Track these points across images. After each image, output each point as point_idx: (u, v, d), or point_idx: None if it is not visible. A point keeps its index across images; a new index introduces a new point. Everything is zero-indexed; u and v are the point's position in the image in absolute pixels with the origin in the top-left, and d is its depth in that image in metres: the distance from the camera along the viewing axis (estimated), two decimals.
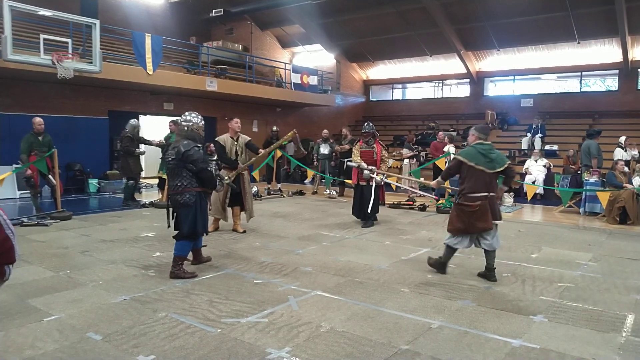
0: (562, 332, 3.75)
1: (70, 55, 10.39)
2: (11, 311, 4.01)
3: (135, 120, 10.69)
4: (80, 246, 6.44)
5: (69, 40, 10.75)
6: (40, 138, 8.73)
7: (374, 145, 8.32)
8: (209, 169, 5.28)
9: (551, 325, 3.90)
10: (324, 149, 13.05)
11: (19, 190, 11.30)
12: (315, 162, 13.48)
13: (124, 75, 12.21)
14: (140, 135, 10.61)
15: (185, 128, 5.17)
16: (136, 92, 14.18)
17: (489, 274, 5.11)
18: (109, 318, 3.90)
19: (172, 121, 10.54)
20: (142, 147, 10.34)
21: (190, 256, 5.43)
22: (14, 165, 10.24)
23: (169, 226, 5.26)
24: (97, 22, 11.02)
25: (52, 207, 8.83)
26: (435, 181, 5.49)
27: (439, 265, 5.35)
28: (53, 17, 10.62)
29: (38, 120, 8.82)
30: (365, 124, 8.63)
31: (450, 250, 5.26)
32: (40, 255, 5.92)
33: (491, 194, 5.04)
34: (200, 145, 5.15)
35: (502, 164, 5.06)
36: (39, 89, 12.13)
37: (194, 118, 5.23)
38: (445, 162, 10.84)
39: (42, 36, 10.14)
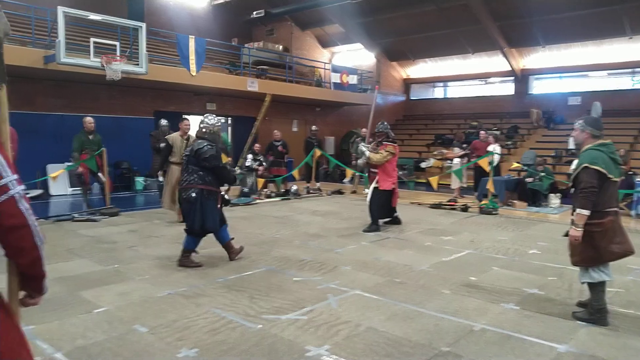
0: (611, 339, 3.60)
1: (118, 58, 10.76)
2: (64, 302, 4.20)
3: (164, 120, 10.89)
4: (127, 241, 6.68)
5: (117, 43, 11.14)
6: (90, 137, 9.11)
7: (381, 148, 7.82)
8: (222, 165, 5.53)
9: (600, 331, 3.76)
10: (362, 148, 12.97)
11: (70, 187, 11.84)
12: (354, 162, 13.45)
13: (169, 77, 12.56)
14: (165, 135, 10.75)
15: (204, 130, 5.51)
16: (180, 93, 14.54)
17: (600, 317, 3.88)
18: (155, 311, 4.03)
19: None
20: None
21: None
22: (66, 163, 10.72)
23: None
24: (144, 25, 11.37)
25: (102, 204, 9.19)
26: (579, 217, 3.81)
27: (596, 315, 3.88)
28: (102, 21, 11.03)
29: (89, 119, 9.20)
30: (379, 123, 8.12)
31: (597, 287, 3.91)
32: (91, 249, 6.18)
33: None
34: (214, 144, 5.43)
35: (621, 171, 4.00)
36: (89, 90, 12.62)
37: (211, 120, 5.57)
38: (489, 162, 10.56)
39: (92, 40, 10.55)
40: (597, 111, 4.52)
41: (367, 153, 7.86)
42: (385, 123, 8.14)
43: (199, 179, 5.33)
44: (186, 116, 9.16)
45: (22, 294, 1.67)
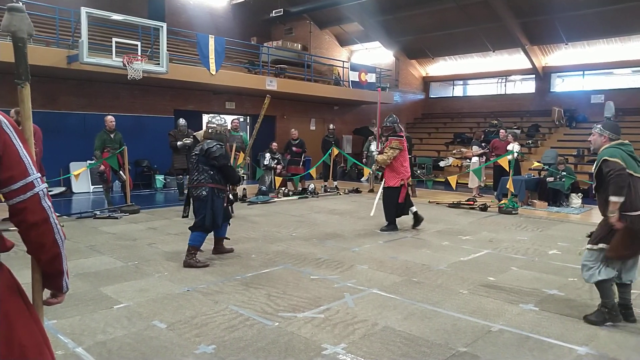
0: (634, 342, 3.54)
1: (139, 57, 10.91)
2: (85, 298, 4.29)
3: (182, 119, 10.98)
4: (147, 238, 6.78)
5: (138, 43, 11.29)
6: (112, 135, 9.27)
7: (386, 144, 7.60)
8: (230, 165, 5.76)
9: (622, 334, 3.69)
10: (374, 147, 12.97)
11: (92, 184, 12.05)
12: (365, 160, 13.44)
13: (189, 76, 12.67)
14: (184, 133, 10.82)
15: (210, 130, 5.70)
16: (200, 92, 14.67)
17: (627, 314, 3.88)
18: (173, 308, 4.08)
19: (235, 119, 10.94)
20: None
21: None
22: (88, 161, 10.93)
23: (183, 216, 5.95)
24: (164, 25, 11.49)
25: (122, 201, 9.35)
26: (612, 204, 3.73)
27: (610, 313, 3.82)
28: (124, 21, 11.19)
29: (110, 118, 9.37)
30: (387, 117, 7.77)
31: (604, 285, 3.85)
32: (111, 246, 6.28)
33: None
34: (222, 144, 5.66)
35: None
36: (110, 89, 12.82)
37: (218, 121, 5.78)
38: (509, 161, 10.44)
39: (114, 40, 10.71)
40: (611, 111, 4.42)
41: (376, 157, 7.78)
42: (394, 117, 7.80)
43: (210, 177, 5.49)
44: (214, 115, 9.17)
45: (46, 293, 1.72)
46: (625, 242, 3.69)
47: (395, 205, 7.56)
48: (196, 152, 5.61)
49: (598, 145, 3.96)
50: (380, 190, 7.82)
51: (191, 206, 5.75)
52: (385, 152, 7.53)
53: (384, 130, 7.74)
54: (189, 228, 5.61)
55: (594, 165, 3.97)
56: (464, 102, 21.92)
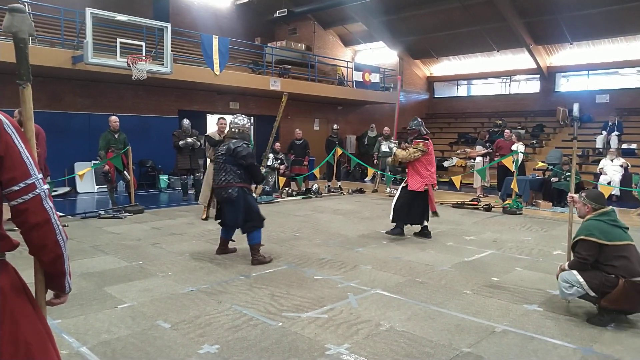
0: (639, 343, 3.52)
1: (144, 58, 10.93)
2: (90, 297, 4.30)
3: (186, 119, 11.01)
4: (151, 238, 6.80)
5: (143, 44, 11.32)
6: (116, 136, 9.30)
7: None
8: (255, 163, 5.74)
9: (627, 334, 3.68)
10: (385, 147, 12.94)
11: (96, 185, 12.09)
12: (376, 161, 13.41)
13: (193, 76, 12.70)
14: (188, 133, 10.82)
15: (234, 129, 5.70)
16: (204, 92, 14.69)
17: (614, 317, 3.96)
18: (177, 307, 4.09)
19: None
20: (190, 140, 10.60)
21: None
22: (93, 162, 10.97)
23: (217, 220, 5.87)
24: (169, 25, 11.52)
25: (127, 201, 9.38)
26: (563, 267, 4.13)
27: (608, 317, 3.89)
28: (128, 21, 11.23)
29: (114, 118, 9.41)
30: (412, 120, 7.49)
31: (586, 296, 3.92)
32: (116, 246, 6.30)
33: None
34: (248, 142, 5.69)
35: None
36: (115, 89, 12.86)
37: (241, 120, 5.80)
38: (512, 161, 10.41)
39: (118, 40, 10.75)
40: (577, 112, 4.53)
41: (394, 149, 7.58)
42: (419, 120, 7.47)
43: (238, 177, 5.50)
44: (222, 116, 9.12)
45: (49, 294, 1.72)
46: (627, 296, 3.74)
47: (414, 211, 7.14)
48: (222, 152, 5.57)
49: (583, 214, 4.17)
50: (399, 190, 7.42)
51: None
52: (407, 150, 7.22)
53: (410, 133, 7.44)
54: (242, 232, 5.63)
55: (573, 236, 4.10)
56: (468, 102, 21.86)
